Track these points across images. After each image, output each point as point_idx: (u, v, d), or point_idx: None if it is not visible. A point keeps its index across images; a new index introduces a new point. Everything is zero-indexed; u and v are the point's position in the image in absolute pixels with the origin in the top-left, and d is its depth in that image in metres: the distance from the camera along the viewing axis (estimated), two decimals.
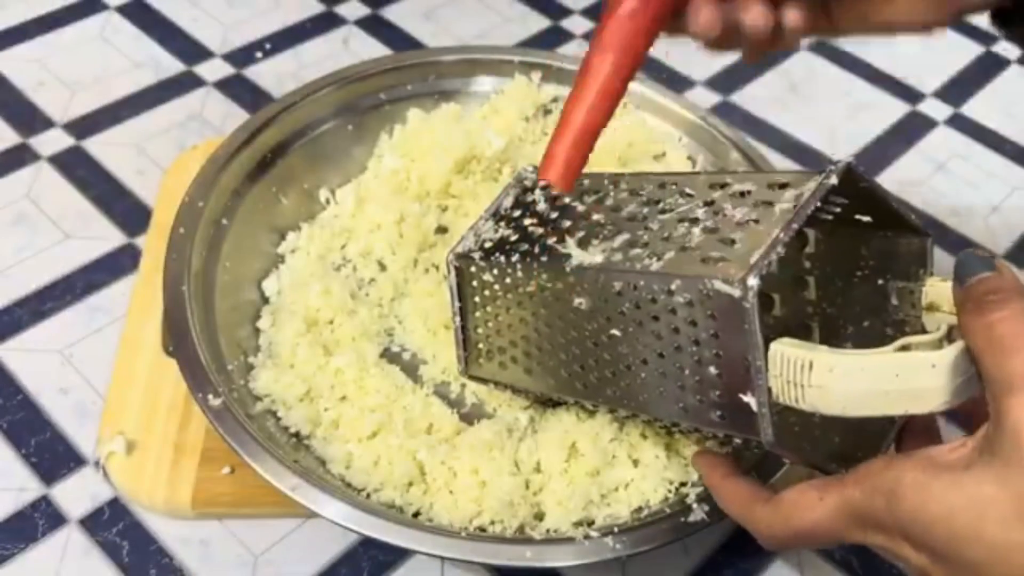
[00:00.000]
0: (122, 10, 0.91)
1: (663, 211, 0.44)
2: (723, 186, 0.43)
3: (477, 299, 0.51)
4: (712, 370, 0.40)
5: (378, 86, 0.68)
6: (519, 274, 0.47)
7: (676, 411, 0.42)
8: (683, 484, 0.52)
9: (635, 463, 0.52)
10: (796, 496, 0.38)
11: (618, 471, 0.52)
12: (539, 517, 0.52)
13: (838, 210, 0.42)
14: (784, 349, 0.36)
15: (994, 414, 0.33)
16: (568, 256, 0.45)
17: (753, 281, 0.36)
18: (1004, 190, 0.81)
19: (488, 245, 0.50)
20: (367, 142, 0.68)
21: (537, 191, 0.51)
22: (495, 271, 0.49)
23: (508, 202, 0.52)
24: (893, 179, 0.81)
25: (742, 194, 0.42)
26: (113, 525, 0.57)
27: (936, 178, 0.82)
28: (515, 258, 0.47)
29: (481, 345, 0.52)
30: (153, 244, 0.65)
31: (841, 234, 0.45)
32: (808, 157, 0.82)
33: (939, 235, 0.77)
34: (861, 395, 0.35)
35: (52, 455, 0.59)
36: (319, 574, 0.55)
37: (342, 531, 0.47)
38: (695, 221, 0.42)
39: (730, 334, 0.38)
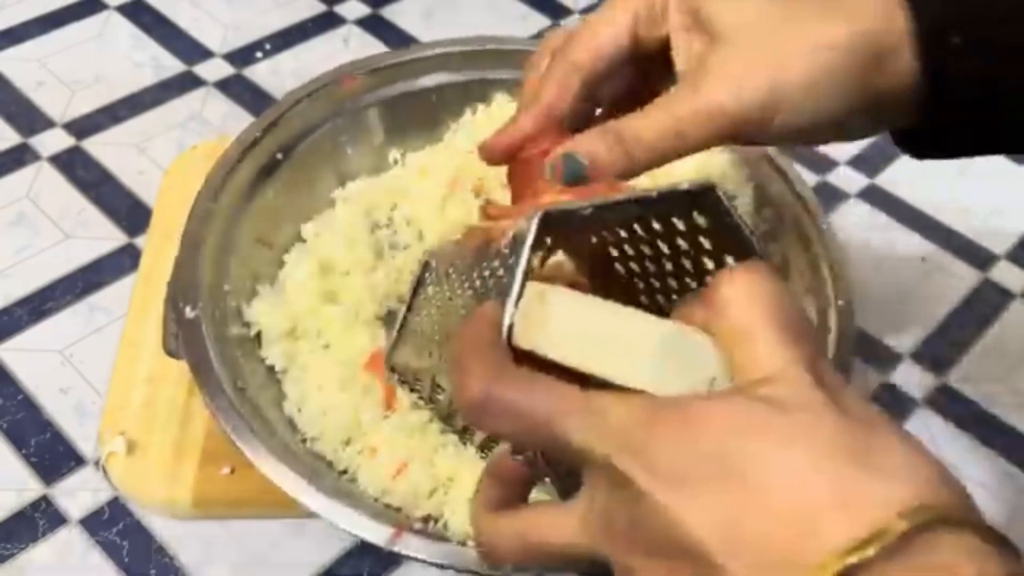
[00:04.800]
0: (122, 10, 0.91)
1: None
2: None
3: (423, 296, 0.52)
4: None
5: (483, 64, 0.68)
6: (453, 277, 0.49)
7: None
8: None
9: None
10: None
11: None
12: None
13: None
14: (535, 284, 0.35)
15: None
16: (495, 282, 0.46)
17: (538, 215, 0.36)
18: (1004, 190, 0.81)
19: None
20: (457, 114, 0.68)
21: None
22: (444, 272, 0.51)
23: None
24: (893, 179, 0.81)
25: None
26: (113, 525, 0.57)
27: (936, 178, 0.82)
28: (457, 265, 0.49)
29: (410, 339, 0.53)
30: (153, 244, 0.65)
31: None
32: (809, 157, 0.82)
33: (939, 235, 0.77)
34: (566, 333, 0.33)
35: (52, 455, 0.59)
36: (319, 574, 0.55)
37: (343, 531, 0.47)
38: None
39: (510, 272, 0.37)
